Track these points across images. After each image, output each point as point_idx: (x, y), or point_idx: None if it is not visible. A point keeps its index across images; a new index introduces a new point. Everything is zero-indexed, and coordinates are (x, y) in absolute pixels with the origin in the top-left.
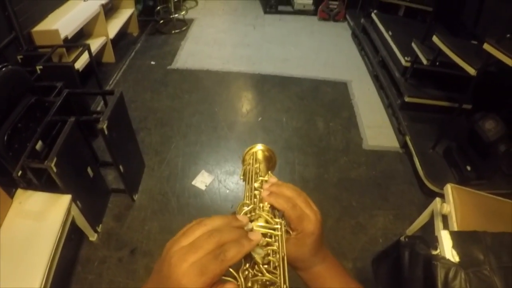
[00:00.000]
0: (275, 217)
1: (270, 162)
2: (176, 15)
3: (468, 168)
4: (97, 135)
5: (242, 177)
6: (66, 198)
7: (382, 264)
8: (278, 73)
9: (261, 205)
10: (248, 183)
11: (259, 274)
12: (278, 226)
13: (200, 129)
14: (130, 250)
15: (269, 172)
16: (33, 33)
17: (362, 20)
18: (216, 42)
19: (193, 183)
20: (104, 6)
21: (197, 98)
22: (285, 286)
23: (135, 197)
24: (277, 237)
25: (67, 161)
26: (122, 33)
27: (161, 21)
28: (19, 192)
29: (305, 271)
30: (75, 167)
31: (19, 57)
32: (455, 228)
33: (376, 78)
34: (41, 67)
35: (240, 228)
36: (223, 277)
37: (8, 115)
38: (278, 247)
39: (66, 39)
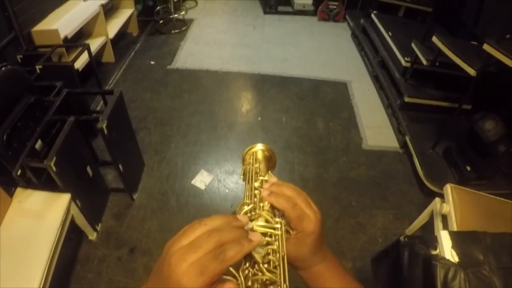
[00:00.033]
0: (275, 217)
1: (270, 162)
2: (176, 15)
3: (468, 168)
4: (96, 134)
5: (242, 177)
6: (66, 197)
7: (382, 264)
8: (277, 73)
9: (261, 204)
10: (248, 182)
11: (259, 273)
12: (278, 226)
13: (199, 129)
14: (130, 249)
15: (269, 171)
16: (33, 32)
17: (362, 21)
18: (215, 42)
19: (192, 182)
20: (104, 6)
21: (197, 98)
22: (285, 286)
23: (135, 196)
24: (277, 237)
25: (67, 160)
26: (122, 33)
27: (161, 21)
28: (19, 191)
29: (305, 270)
30: (74, 166)
31: (18, 56)
32: (455, 228)
33: (376, 79)
34: (40, 66)
35: (240, 228)
36: (223, 276)
37: (8, 114)
38: (278, 247)
39: (65, 39)
